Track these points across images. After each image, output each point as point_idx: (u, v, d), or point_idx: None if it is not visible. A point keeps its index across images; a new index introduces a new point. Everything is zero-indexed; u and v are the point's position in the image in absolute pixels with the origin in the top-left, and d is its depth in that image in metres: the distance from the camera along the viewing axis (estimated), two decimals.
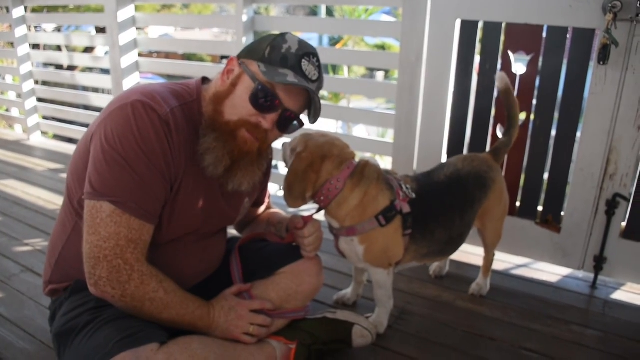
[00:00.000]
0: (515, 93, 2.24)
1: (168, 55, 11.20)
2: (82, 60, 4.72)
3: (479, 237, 1.99)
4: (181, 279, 1.32)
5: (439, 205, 1.70)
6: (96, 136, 1.22)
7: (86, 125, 4.41)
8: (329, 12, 13.32)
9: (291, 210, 2.61)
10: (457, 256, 2.33)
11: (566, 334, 1.81)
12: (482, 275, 2.05)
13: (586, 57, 2.07)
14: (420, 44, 2.39)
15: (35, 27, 8.04)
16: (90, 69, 9.22)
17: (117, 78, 3.70)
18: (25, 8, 4.34)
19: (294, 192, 1.52)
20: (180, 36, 11.92)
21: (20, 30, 4.32)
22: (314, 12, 14.52)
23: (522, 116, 2.21)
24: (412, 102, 2.49)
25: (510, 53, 2.22)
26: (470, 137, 2.42)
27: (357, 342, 1.62)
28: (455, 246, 1.80)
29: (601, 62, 1.90)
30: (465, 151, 2.44)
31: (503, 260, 2.36)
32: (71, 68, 7.67)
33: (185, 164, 1.29)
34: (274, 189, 3.32)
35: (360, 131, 11.07)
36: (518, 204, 2.39)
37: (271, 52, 1.28)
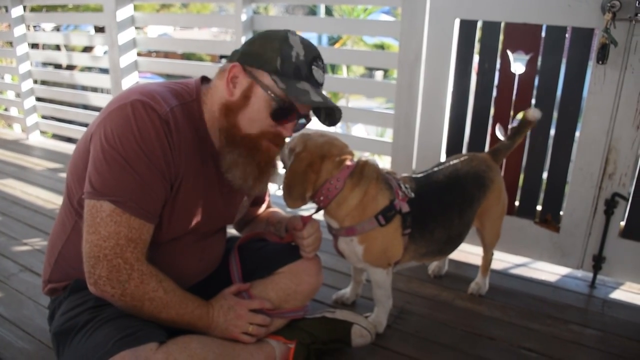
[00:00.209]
0: (514, 92, 2.25)
1: (167, 55, 11.18)
2: (81, 59, 4.72)
3: (477, 237, 1.99)
4: (181, 279, 1.32)
5: (437, 205, 1.70)
6: (96, 136, 1.21)
7: (85, 125, 4.41)
8: (328, 12, 13.32)
9: (290, 210, 2.61)
10: (456, 255, 2.33)
11: (565, 333, 1.81)
12: (481, 275, 2.05)
13: (585, 56, 2.07)
14: (419, 44, 2.40)
15: (34, 27, 8.03)
16: (89, 69, 9.21)
17: (116, 77, 3.70)
18: (24, 7, 4.33)
19: (294, 193, 1.52)
20: (179, 35, 11.91)
21: (19, 30, 4.32)
22: (312, 11, 14.52)
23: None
24: (411, 101, 2.49)
25: (509, 52, 2.22)
26: (469, 137, 2.42)
27: (356, 342, 1.62)
28: (454, 245, 1.80)
29: (600, 62, 1.91)
30: (464, 151, 2.44)
31: (502, 260, 2.36)
32: (70, 67, 7.65)
33: (184, 164, 1.29)
34: (273, 188, 3.32)
35: (359, 130, 11.07)
36: (517, 203, 2.39)
37: (282, 63, 1.26)
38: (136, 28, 3.72)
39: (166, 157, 1.22)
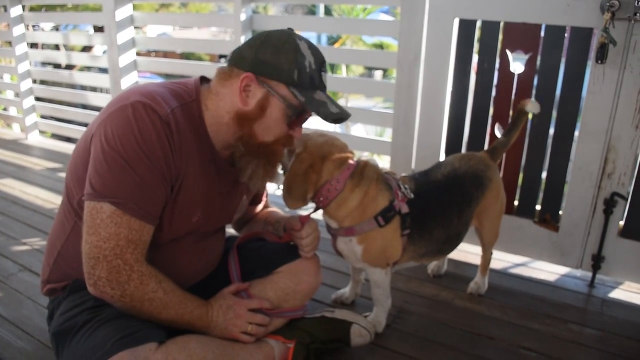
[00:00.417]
0: (513, 92, 2.25)
1: (166, 54, 11.18)
2: (80, 59, 4.72)
3: (476, 236, 1.99)
4: (180, 278, 1.32)
5: (436, 205, 1.70)
6: (96, 137, 1.21)
7: (84, 125, 4.41)
8: (327, 11, 13.33)
9: (289, 210, 2.61)
10: (455, 255, 2.33)
11: (564, 332, 1.82)
12: (480, 274, 2.05)
13: (584, 56, 2.07)
14: (418, 43, 2.39)
15: (33, 26, 8.03)
16: (88, 68, 9.22)
17: (115, 77, 3.70)
18: (23, 7, 4.33)
19: (294, 193, 1.51)
20: (179, 35, 11.89)
21: (18, 29, 4.31)
22: (312, 11, 14.53)
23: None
24: (410, 101, 2.49)
25: (508, 52, 2.22)
26: (469, 136, 2.42)
27: (356, 341, 1.62)
28: (453, 245, 1.80)
29: (599, 61, 1.91)
30: (463, 150, 2.44)
31: (501, 259, 2.36)
32: (69, 67, 7.65)
33: (185, 165, 1.28)
34: (272, 188, 3.32)
35: (358, 130, 11.07)
36: (516, 202, 2.39)
37: (299, 75, 1.27)
38: (135, 27, 3.72)
39: (167, 158, 1.22)
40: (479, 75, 2.32)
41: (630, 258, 2.12)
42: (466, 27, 2.29)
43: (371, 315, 1.75)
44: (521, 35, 2.18)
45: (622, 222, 2.15)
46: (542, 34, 2.14)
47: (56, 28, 9.15)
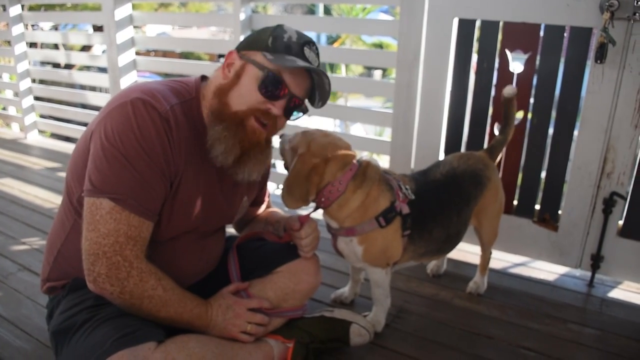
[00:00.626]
0: None
1: (165, 54, 11.18)
2: (79, 58, 4.71)
3: (476, 236, 1.99)
4: (180, 277, 1.32)
5: (436, 205, 1.70)
6: (96, 134, 1.22)
7: (84, 124, 4.41)
8: (327, 11, 13.33)
9: (288, 209, 2.61)
10: (454, 255, 2.33)
11: (564, 332, 1.82)
12: (480, 274, 2.05)
13: (583, 55, 2.07)
14: (417, 43, 2.39)
15: (32, 26, 8.02)
16: (87, 68, 9.21)
17: (115, 76, 3.70)
18: (22, 6, 4.33)
19: (294, 194, 1.50)
20: (178, 35, 11.88)
21: (17, 29, 4.31)
22: (311, 10, 14.52)
23: (520, 115, 2.22)
24: (410, 100, 2.49)
25: (507, 52, 2.22)
26: (468, 136, 2.42)
27: (355, 341, 1.62)
28: (452, 244, 1.80)
29: (598, 61, 1.91)
30: (462, 150, 2.44)
31: (500, 259, 2.36)
32: (68, 66, 7.65)
33: (184, 162, 1.29)
34: (273, 188, 3.32)
35: (358, 130, 11.08)
36: (515, 202, 2.39)
37: (274, 41, 1.30)
38: (134, 27, 3.72)
39: (166, 155, 1.22)
40: (479, 74, 2.32)
41: (629, 258, 2.12)
42: (466, 26, 2.29)
43: (370, 315, 1.75)
44: (520, 35, 2.18)
45: (621, 222, 2.15)
46: (542, 33, 2.14)
47: (55, 27, 9.14)
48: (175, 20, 4.43)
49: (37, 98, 4.61)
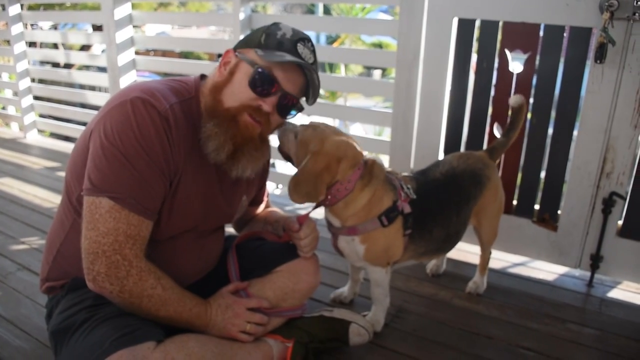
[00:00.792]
0: (512, 91, 2.25)
1: (165, 53, 11.17)
2: (78, 58, 4.71)
3: (475, 235, 1.99)
4: (179, 277, 1.32)
5: (436, 204, 1.70)
6: (95, 133, 1.22)
7: (83, 124, 4.41)
8: (326, 11, 13.33)
9: (289, 208, 2.61)
10: (454, 254, 2.33)
11: (563, 332, 1.82)
12: (479, 274, 2.05)
13: (583, 55, 2.07)
14: (417, 43, 2.39)
15: (32, 25, 8.01)
16: (87, 67, 9.20)
17: (114, 76, 3.69)
18: (22, 5, 4.32)
19: (302, 191, 1.47)
20: (177, 34, 11.88)
21: (17, 28, 4.30)
22: (311, 10, 14.51)
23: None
24: (409, 100, 2.49)
25: (507, 51, 2.22)
26: (467, 136, 2.42)
27: (354, 340, 1.62)
28: (452, 244, 1.80)
29: (598, 61, 1.91)
30: (462, 149, 2.44)
31: (500, 259, 2.36)
32: (68, 66, 7.64)
33: (184, 160, 1.29)
34: (272, 187, 3.32)
35: (357, 129, 11.06)
36: (515, 202, 2.39)
37: (267, 38, 1.31)
38: (134, 26, 3.72)
39: (165, 154, 1.23)
40: (478, 74, 2.32)
41: (628, 257, 2.12)
42: (465, 26, 2.29)
43: (370, 315, 1.75)
44: (520, 35, 2.18)
45: (620, 222, 2.15)
46: (541, 33, 2.14)
47: (55, 27, 9.13)
48: (175, 19, 4.43)
49: (36, 97, 4.61)
